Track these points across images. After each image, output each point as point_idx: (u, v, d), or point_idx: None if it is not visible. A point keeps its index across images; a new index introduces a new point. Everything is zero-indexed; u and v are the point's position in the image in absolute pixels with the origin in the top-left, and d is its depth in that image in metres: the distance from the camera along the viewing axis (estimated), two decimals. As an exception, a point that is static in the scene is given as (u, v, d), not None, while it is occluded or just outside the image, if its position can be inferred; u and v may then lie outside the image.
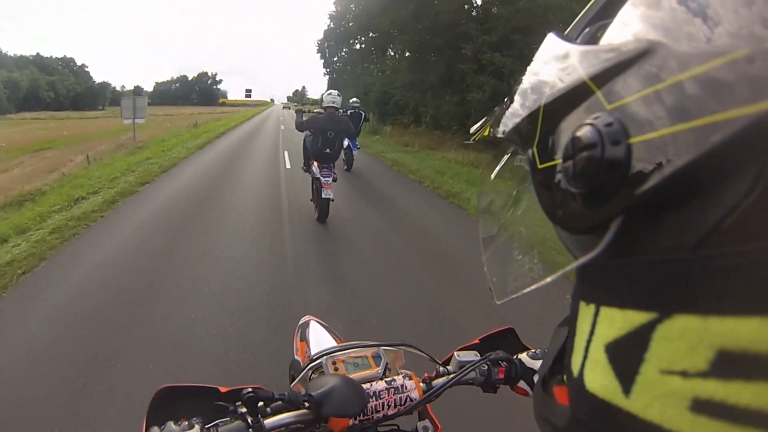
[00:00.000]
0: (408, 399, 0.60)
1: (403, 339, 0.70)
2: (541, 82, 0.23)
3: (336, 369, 0.65)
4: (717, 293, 0.13)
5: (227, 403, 0.49)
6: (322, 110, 4.45)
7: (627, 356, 0.16)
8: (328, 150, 4.14)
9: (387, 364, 0.68)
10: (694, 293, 0.14)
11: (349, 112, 6.88)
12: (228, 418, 0.49)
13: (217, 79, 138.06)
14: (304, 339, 0.88)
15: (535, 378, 0.62)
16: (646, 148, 0.16)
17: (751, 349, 0.12)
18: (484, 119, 0.31)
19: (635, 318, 0.16)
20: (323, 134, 4.09)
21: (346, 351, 0.68)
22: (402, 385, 0.60)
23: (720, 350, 0.13)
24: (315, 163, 4.21)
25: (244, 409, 0.48)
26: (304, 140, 4.79)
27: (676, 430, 0.14)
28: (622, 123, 0.17)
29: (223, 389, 0.54)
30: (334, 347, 0.69)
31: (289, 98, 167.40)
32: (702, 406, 0.13)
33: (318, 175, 4.09)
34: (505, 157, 0.31)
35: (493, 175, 0.33)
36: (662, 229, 0.16)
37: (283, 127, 18.70)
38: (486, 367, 0.64)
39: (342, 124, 4.21)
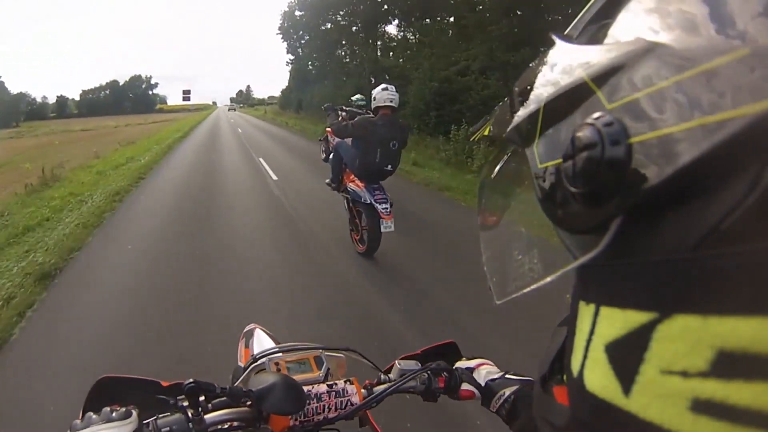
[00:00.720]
0: (349, 403, 0.60)
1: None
2: (541, 81, 0.23)
3: (278, 369, 0.66)
4: (717, 293, 0.13)
5: (168, 397, 0.49)
6: (357, 110, 3.74)
7: (627, 356, 0.16)
8: (389, 167, 3.06)
9: (329, 369, 0.69)
10: (694, 293, 0.14)
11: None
12: (168, 413, 0.49)
13: (153, 82, 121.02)
14: (249, 346, 0.88)
15: (475, 375, 0.64)
16: (646, 148, 0.16)
17: (751, 349, 0.12)
18: (484, 118, 0.31)
19: (635, 318, 0.16)
20: (383, 144, 2.96)
21: (289, 353, 0.68)
22: (343, 389, 0.61)
23: (720, 350, 0.13)
24: (357, 183, 3.13)
25: (185, 403, 0.48)
26: (336, 149, 3.48)
27: (676, 430, 0.14)
28: (622, 123, 0.17)
29: (164, 383, 0.54)
30: (276, 347, 0.69)
31: (232, 99, 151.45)
32: (702, 406, 0.13)
33: (369, 200, 2.98)
34: (505, 157, 0.31)
35: (493, 175, 0.33)
36: (662, 229, 0.16)
37: (240, 131, 16.97)
38: (426, 376, 0.65)
39: (404, 132, 3.15)
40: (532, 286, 0.25)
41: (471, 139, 0.45)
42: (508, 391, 0.58)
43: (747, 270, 0.13)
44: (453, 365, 0.68)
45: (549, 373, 0.27)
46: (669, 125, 0.15)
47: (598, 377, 0.17)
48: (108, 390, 0.52)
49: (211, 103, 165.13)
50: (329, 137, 3.97)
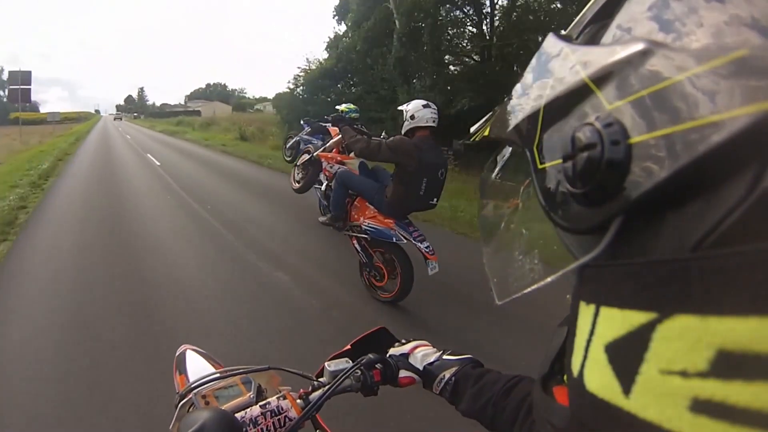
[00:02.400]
0: (287, 419, 0.59)
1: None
2: (541, 82, 0.23)
3: (207, 402, 0.63)
4: (716, 293, 0.13)
5: None
6: (306, 122, 3.69)
7: (627, 356, 0.16)
8: (435, 200, 2.49)
9: (260, 386, 0.67)
10: (694, 293, 0.14)
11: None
12: None
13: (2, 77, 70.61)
14: (183, 372, 0.84)
15: (411, 360, 0.64)
16: (645, 148, 0.16)
17: (750, 349, 0.12)
18: (484, 119, 0.31)
19: (635, 318, 0.16)
20: (430, 173, 2.38)
21: (213, 382, 0.66)
22: (277, 407, 0.60)
23: (719, 350, 0.13)
24: (380, 219, 2.51)
25: None
26: (340, 180, 2.77)
27: (675, 430, 0.14)
28: (621, 123, 0.17)
29: None
30: (200, 379, 0.67)
31: (119, 107, 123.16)
32: (702, 406, 0.13)
33: (404, 239, 2.40)
34: (506, 158, 0.31)
35: (493, 176, 0.33)
36: (662, 229, 0.16)
37: (151, 157, 10.10)
38: (359, 372, 0.64)
39: (446, 158, 2.67)
40: (533, 287, 0.25)
41: (471, 140, 0.44)
42: (448, 373, 0.58)
43: (747, 270, 0.13)
44: (387, 353, 0.67)
45: (549, 374, 0.27)
46: (668, 126, 0.15)
47: (598, 377, 0.18)
48: None
49: (93, 111, 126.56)
50: (325, 164, 3.14)
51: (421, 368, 0.62)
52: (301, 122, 4.64)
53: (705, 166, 0.14)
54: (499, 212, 0.34)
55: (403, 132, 2.48)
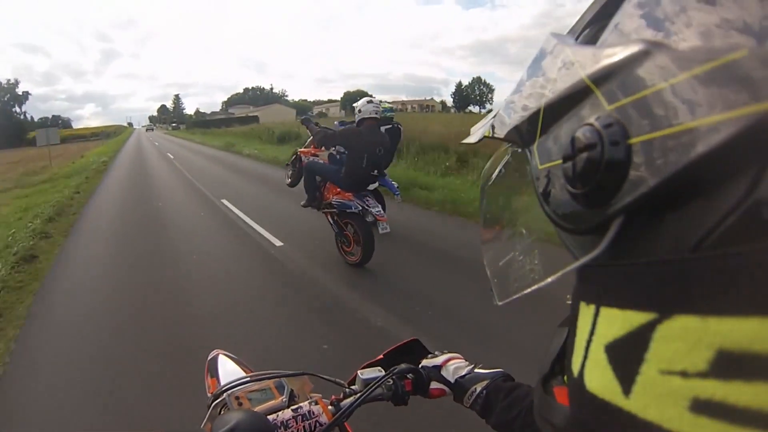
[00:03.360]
0: (317, 424, 0.60)
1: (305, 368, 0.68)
2: (541, 82, 0.23)
3: (240, 404, 0.64)
4: (716, 293, 0.13)
5: None
6: (340, 123, 3.89)
7: (627, 356, 0.16)
8: (375, 172, 3.33)
9: (292, 391, 0.67)
10: (694, 293, 0.14)
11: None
12: None
13: (19, 91, 64.11)
14: (214, 375, 0.86)
15: (443, 373, 0.64)
16: (645, 148, 0.16)
17: (750, 349, 0.12)
18: (485, 119, 0.31)
19: (635, 318, 0.16)
20: (370, 150, 3.10)
21: (247, 384, 0.67)
22: (309, 412, 0.60)
23: (719, 350, 0.13)
24: (343, 195, 3.24)
25: None
26: (308, 168, 3.53)
27: (676, 430, 0.14)
28: (621, 124, 0.17)
29: None
30: (234, 381, 0.68)
31: (151, 118, 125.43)
32: (702, 406, 0.13)
33: (360, 207, 3.10)
34: (506, 158, 0.31)
35: (493, 176, 0.33)
36: (662, 229, 0.16)
37: (243, 216, 5.04)
38: (391, 381, 0.64)
39: (386, 138, 3.37)
40: (533, 287, 0.25)
41: (477, 141, 0.43)
42: (479, 387, 0.58)
43: (747, 270, 0.13)
44: (419, 364, 0.67)
45: (550, 374, 0.27)
46: (668, 126, 0.16)
47: (599, 377, 0.18)
48: None
49: (126, 124, 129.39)
50: (303, 157, 3.69)
51: (452, 381, 0.62)
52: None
53: (705, 166, 0.14)
54: (499, 213, 0.34)
55: (356, 124, 3.35)
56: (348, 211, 3.17)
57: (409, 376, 0.65)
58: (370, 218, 3.17)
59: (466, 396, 0.59)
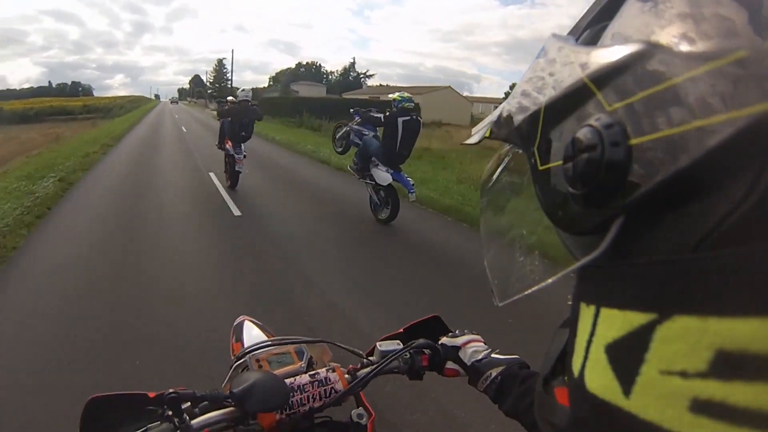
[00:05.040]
0: (333, 391, 0.61)
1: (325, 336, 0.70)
2: (541, 83, 0.23)
3: (260, 366, 0.67)
4: (716, 294, 0.13)
5: (157, 407, 0.50)
6: (236, 102, 5.63)
7: (627, 357, 0.16)
8: (243, 133, 5.44)
9: (311, 358, 0.70)
10: (694, 294, 0.14)
11: (377, 116, 4.46)
12: (158, 422, 0.50)
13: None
14: (239, 339, 0.90)
15: (461, 354, 0.64)
16: (646, 149, 0.16)
17: (750, 349, 0.12)
18: (485, 120, 0.31)
19: (635, 319, 0.16)
20: (240, 121, 5.36)
21: (269, 348, 0.69)
22: (325, 378, 0.62)
23: (719, 351, 0.13)
24: (229, 143, 5.39)
25: (171, 412, 0.49)
26: (222, 125, 5.75)
27: (676, 430, 0.14)
28: (622, 125, 0.17)
29: (151, 394, 0.55)
30: (256, 344, 0.71)
31: (184, 91, 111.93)
32: (701, 407, 0.13)
33: (232, 153, 5.33)
34: (506, 159, 0.31)
35: (494, 177, 0.33)
36: (662, 230, 0.16)
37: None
38: (408, 355, 0.65)
39: (254, 113, 5.55)
40: (534, 288, 0.25)
41: (477, 142, 0.43)
42: (494, 372, 0.58)
43: (746, 271, 0.13)
44: (437, 340, 0.68)
45: (550, 374, 0.27)
46: (669, 127, 0.16)
47: (599, 378, 0.18)
48: (99, 412, 0.53)
49: (153, 97, 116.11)
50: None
51: (468, 364, 0.63)
52: (351, 111, 4.85)
53: (705, 167, 0.15)
54: (500, 213, 0.34)
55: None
56: (227, 153, 5.23)
57: (427, 351, 0.66)
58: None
59: (481, 380, 0.59)
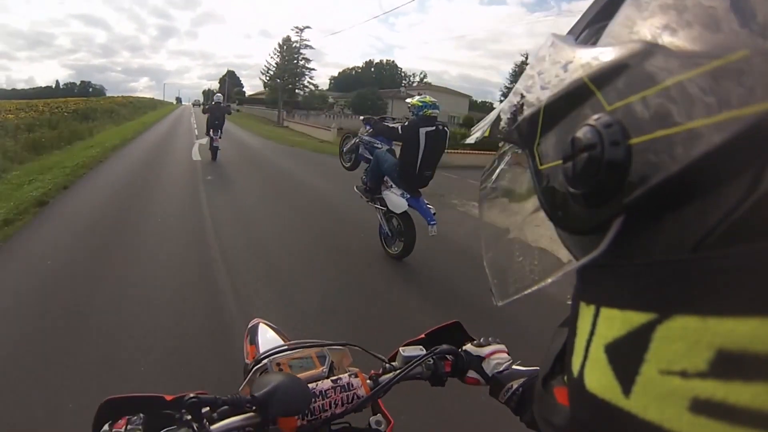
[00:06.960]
0: (355, 397, 0.60)
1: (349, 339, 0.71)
2: (541, 83, 0.23)
3: (281, 370, 0.65)
4: (716, 294, 0.13)
5: (173, 411, 0.49)
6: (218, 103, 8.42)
7: (627, 357, 0.16)
8: (217, 122, 8.08)
9: (333, 363, 0.68)
10: (694, 294, 0.14)
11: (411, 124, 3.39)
12: (175, 426, 0.48)
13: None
14: (254, 342, 0.88)
15: (484, 365, 0.64)
16: (645, 149, 0.16)
17: (750, 349, 0.12)
18: (485, 119, 0.31)
19: (635, 318, 0.16)
20: (215, 115, 8.12)
21: (290, 351, 0.68)
22: (348, 384, 0.61)
23: (719, 350, 0.13)
24: (211, 130, 8.12)
25: (190, 416, 0.48)
26: (207, 119, 8.30)
27: (675, 430, 0.14)
28: (621, 124, 0.17)
29: (168, 397, 0.53)
30: (277, 348, 0.69)
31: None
32: (701, 406, 0.13)
33: (213, 136, 8.14)
34: (506, 158, 0.31)
35: (494, 177, 0.33)
36: (662, 229, 0.16)
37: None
38: (431, 361, 0.65)
39: (226, 110, 8.68)
40: (534, 288, 0.25)
41: (473, 141, 0.43)
42: (516, 384, 0.58)
43: (747, 270, 0.13)
44: (459, 346, 0.68)
45: (550, 374, 0.27)
46: (668, 127, 0.16)
47: (598, 377, 0.18)
48: (114, 412, 0.51)
49: (173, 101, 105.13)
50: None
51: (490, 375, 0.62)
52: (361, 119, 4.04)
53: (705, 166, 0.14)
54: (499, 213, 0.34)
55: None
56: (211, 137, 7.07)
57: (449, 357, 0.65)
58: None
59: (502, 392, 0.59)
